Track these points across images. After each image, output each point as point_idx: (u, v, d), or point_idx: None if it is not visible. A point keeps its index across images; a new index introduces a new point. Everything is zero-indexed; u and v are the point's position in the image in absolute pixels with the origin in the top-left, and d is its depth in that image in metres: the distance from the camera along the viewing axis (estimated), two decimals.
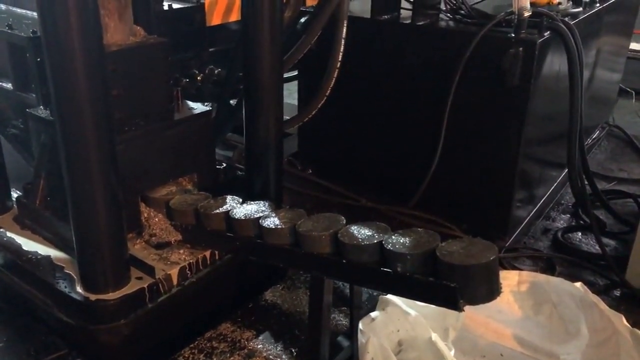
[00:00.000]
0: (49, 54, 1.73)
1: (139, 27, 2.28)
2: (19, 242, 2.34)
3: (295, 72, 3.47)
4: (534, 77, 2.59)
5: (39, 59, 2.17)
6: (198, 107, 2.46)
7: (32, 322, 2.29)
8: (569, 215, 3.38)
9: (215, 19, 2.99)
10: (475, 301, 1.57)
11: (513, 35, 2.59)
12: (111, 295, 2.01)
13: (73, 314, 2.08)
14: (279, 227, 1.94)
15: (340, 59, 2.80)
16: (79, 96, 1.75)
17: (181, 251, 2.22)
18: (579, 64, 2.78)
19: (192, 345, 2.27)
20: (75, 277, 2.11)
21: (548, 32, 2.65)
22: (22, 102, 2.40)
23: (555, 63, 2.82)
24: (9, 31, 2.29)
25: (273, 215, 2.02)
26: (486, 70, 2.68)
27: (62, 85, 1.75)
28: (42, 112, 2.25)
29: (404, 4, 3.10)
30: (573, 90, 2.82)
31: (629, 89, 4.97)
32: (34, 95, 2.32)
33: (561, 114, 2.94)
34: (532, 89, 2.61)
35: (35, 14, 2.12)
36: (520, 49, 2.54)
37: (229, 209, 2.13)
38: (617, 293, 2.71)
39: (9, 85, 2.48)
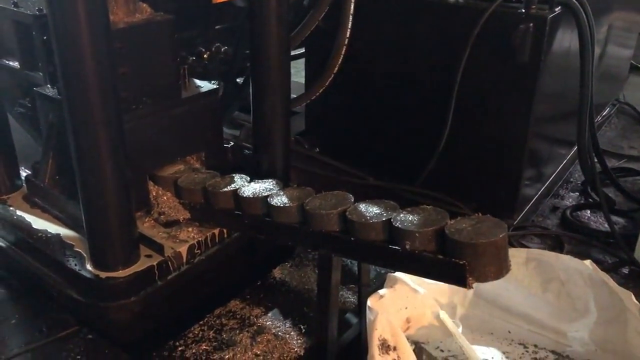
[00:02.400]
0: (55, 32, 1.72)
1: (144, 5, 2.26)
2: (28, 220, 2.36)
3: (303, 50, 3.44)
4: (544, 54, 2.55)
5: (45, 37, 2.16)
6: (205, 86, 2.45)
7: (43, 299, 2.32)
8: (577, 193, 3.36)
9: None
10: (483, 279, 1.57)
11: (523, 10, 2.55)
12: (121, 273, 2.02)
13: (83, 291, 2.10)
14: (287, 205, 1.94)
15: (348, 36, 2.77)
16: (86, 74, 1.74)
17: (190, 229, 2.23)
18: (590, 40, 2.74)
19: (201, 322, 2.29)
20: (85, 255, 2.12)
21: (559, 7, 2.61)
22: (29, 80, 2.39)
23: (566, 39, 2.78)
24: (15, 9, 2.28)
25: (281, 193, 2.01)
26: (496, 46, 2.64)
27: (68, 63, 1.75)
28: (49, 90, 2.24)
29: None
30: (584, 67, 2.78)
31: None
32: (40, 74, 2.31)
33: (571, 91, 2.90)
34: (542, 65, 2.57)
35: None
36: (531, 24, 2.50)
37: (237, 187, 2.13)
38: (626, 271, 2.70)
39: (15, 64, 2.47)
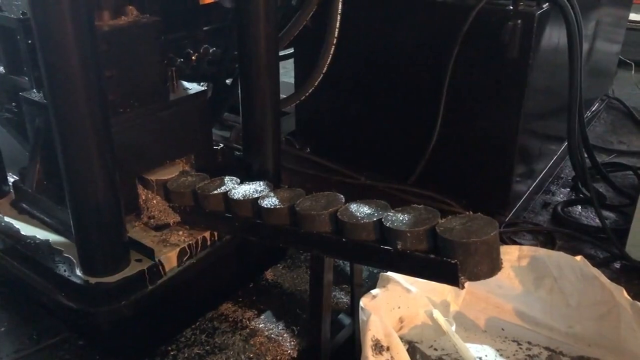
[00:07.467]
0: (39, 35, 1.69)
1: (131, 7, 2.24)
2: (17, 226, 2.33)
3: (291, 50, 3.43)
4: (533, 50, 2.55)
5: (30, 41, 2.14)
6: (193, 87, 2.44)
7: (33, 306, 2.30)
8: (568, 189, 3.37)
9: None
10: (476, 277, 1.57)
11: (511, 7, 2.55)
12: (111, 278, 2.00)
13: (73, 297, 2.07)
14: (278, 207, 1.93)
15: (336, 35, 2.76)
16: (72, 78, 1.72)
17: (180, 232, 2.21)
18: (579, 35, 2.74)
19: (193, 326, 2.28)
20: (74, 261, 2.09)
21: (547, 3, 2.61)
22: (15, 85, 2.37)
23: (555, 35, 2.78)
24: None
25: (271, 195, 2.00)
26: (484, 43, 2.64)
27: (53, 67, 1.72)
28: (35, 95, 2.22)
29: None
30: (572, 63, 2.79)
31: (628, 61, 4.93)
32: (26, 79, 2.29)
33: (561, 87, 2.91)
34: (531, 62, 2.57)
35: None
36: (519, 21, 2.50)
37: (227, 189, 2.11)
38: (617, 266, 2.71)
39: (0, 69, 2.44)
